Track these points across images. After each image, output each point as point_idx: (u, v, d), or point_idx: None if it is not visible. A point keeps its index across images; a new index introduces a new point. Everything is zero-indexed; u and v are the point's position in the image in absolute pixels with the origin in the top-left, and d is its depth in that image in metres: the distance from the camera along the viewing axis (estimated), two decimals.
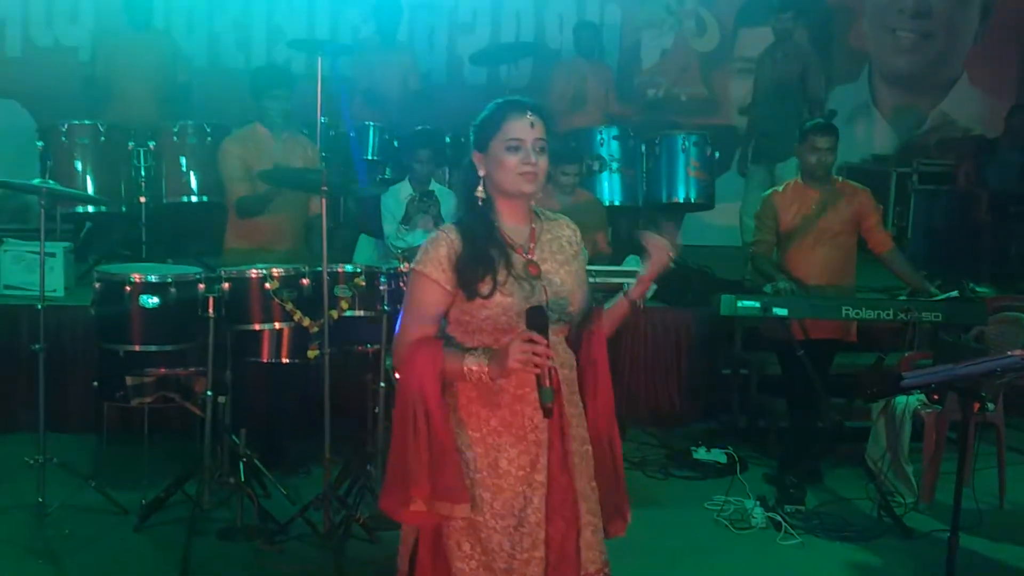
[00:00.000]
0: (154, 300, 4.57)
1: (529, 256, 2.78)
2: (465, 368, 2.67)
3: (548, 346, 2.59)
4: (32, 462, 4.67)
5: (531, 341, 2.58)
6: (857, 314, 5.07)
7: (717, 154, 7.67)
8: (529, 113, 2.74)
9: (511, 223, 2.81)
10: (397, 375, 2.80)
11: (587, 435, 2.84)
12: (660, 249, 2.85)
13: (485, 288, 2.69)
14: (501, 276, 2.71)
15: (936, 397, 5.16)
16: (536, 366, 2.58)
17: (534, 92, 8.64)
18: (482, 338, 2.73)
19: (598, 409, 2.85)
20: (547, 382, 2.61)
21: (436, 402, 2.68)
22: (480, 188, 2.77)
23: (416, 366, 2.70)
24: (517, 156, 2.72)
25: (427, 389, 2.68)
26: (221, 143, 5.74)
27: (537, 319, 2.63)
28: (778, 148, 7.55)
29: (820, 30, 10.00)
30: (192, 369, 4.70)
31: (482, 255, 2.71)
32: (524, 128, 2.73)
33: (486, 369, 2.65)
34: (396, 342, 2.81)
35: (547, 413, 2.65)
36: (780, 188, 5.60)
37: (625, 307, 2.88)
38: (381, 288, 4.66)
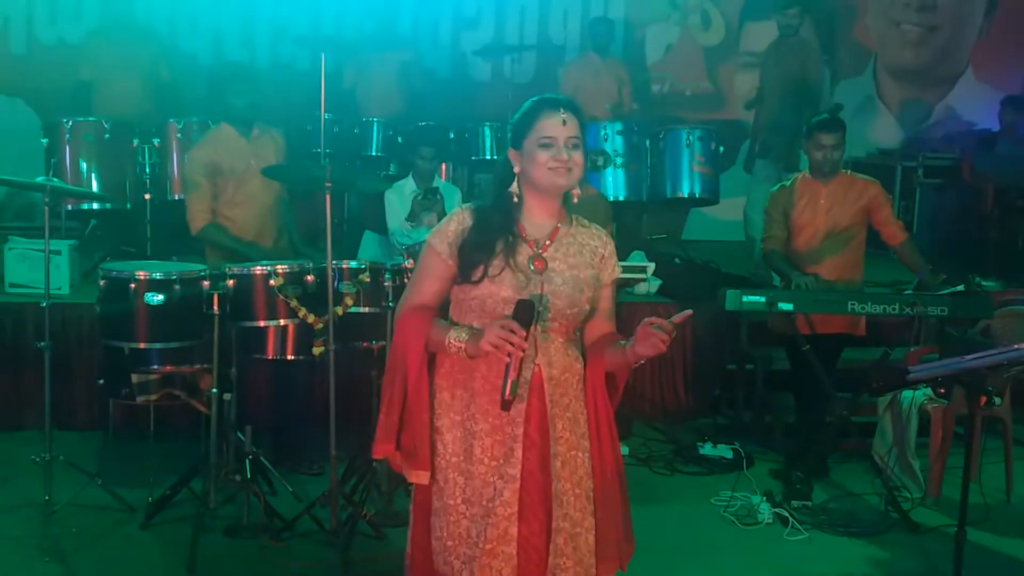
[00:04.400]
0: (159, 297, 4.55)
1: (540, 251, 2.81)
2: (447, 341, 2.75)
3: (525, 339, 2.62)
4: (38, 460, 4.67)
5: (509, 330, 2.61)
6: (863, 309, 5.06)
7: (722, 149, 7.65)
8: (562, 110, 2.79)
9: (537, 219, 2.85)
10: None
11: (579, 441, 2.82)
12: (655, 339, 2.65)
13: (476, 275, 2.76)
14: (497, 264, 2.76)
15: (943, 391, 5.16)
16: (508, 354, 2.62)
17: (539, 88, 8.64)
18: (471, 318, 2.79)
19: (599, 434, 2.83)
20: (514, 374, 2.63)
21: (415, 369, 2.78)
22: (515, 184, 2.82)
23: (405, 332, 2.82)
24: (549, 152, 2.77)
25: (410, 355, 2.78)
26: (187, 151, 5.50)
27: (522, 312, 2.65)
28: (783, 143, 7.54)
29: (825, 24, 9.99)
30: (197, 366, 4.69)
31: (485, 241, 2.78)
32: (556, 126, 2.78)
33: (463, 345, 2.72)
34: (398, 305, 2.91)
35: (504, 406, 2.68)
36: (788, 183, 5.56)
37: (624, 360, 2.77)
38: (386, 284, 4.66)
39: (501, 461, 2.76)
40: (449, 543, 2.79)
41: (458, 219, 2.84)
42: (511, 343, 2.60)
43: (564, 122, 2.78)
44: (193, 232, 5.37)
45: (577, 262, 2.84)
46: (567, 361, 2.83)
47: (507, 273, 2.76)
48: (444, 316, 2.87)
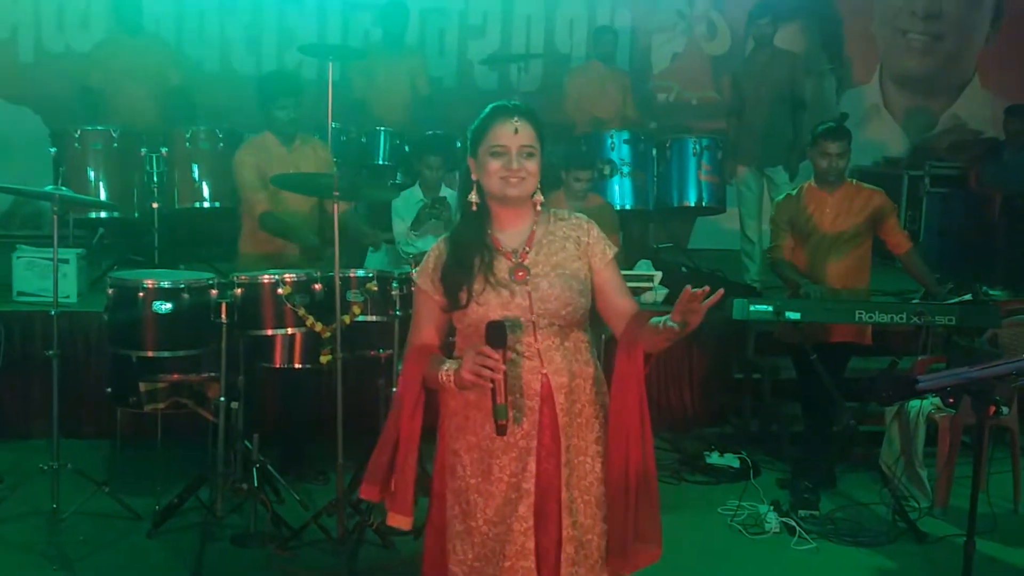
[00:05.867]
0: (167, 306, 4.57)
1: (520, 260, 2.78)
2: (439, 376, 2.73)
3: (502, 361, 2.59)
4: (46, 468, 4.68)
5: (484, 355, 2.59)
6: (870, 318, 5.06)
7: None
8: (515, 119, 2.74)
9: (508, 227, 2.82)
10: None
11: (590, 447, 2.79)
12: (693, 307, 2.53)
13: (462, 299, 2.75)
14: (478, 286, 2.74)
15: (951, 401, 5.16)
16: (491, 381, 2.60)
17: (545, 96, 8.67)
18: (471, 344, 2.75)
19: (620, 426, 2.76)
20: (500, 398, 2.61)
21: (410, 410, 2.76)
22: (473, 193, 2.79)
23: (404, 373, 2.81)
24: (500, 161, 2.73)
25: (406, 396, 2.77)
26: (234, 154, 5.63)
27: (494, 334, 2.63)
28: (768, 152, 7.53)
29: (830, 33, 10.00)
30: (205, 375, 4.70)
31: (461, 266, 2.75)
32: (508, 134, 2.73)
33: (451, 377, 2.70)
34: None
35: (499, 430, 2.64)
36: (794, 192, 5.58)
37: (668, 333, 2.61)
38: (393, 293, 4.67)
39: (518, 476, 2.74)
40: (476, 564, 2.77)
41: (435, 253, 2.84)
42: (488, 367, 2.58)
43: (516, 130, 2.72)
44: (254, 210, 5.42)
45: (562, 259, 2.80)
46: (576, 367, 2.79)
47: (489, 292, 2.73)
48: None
